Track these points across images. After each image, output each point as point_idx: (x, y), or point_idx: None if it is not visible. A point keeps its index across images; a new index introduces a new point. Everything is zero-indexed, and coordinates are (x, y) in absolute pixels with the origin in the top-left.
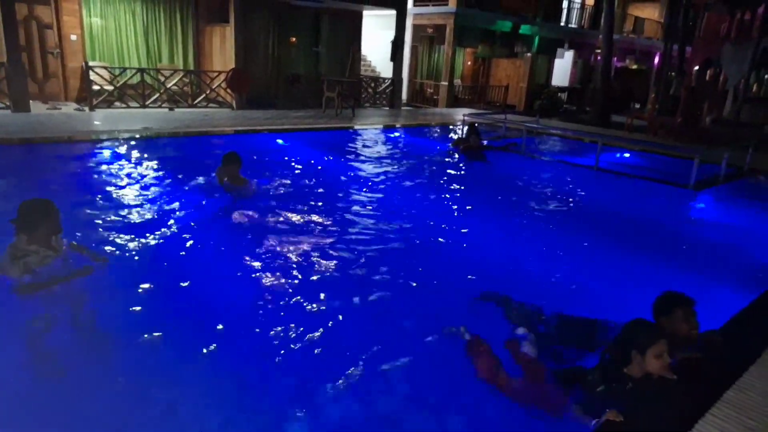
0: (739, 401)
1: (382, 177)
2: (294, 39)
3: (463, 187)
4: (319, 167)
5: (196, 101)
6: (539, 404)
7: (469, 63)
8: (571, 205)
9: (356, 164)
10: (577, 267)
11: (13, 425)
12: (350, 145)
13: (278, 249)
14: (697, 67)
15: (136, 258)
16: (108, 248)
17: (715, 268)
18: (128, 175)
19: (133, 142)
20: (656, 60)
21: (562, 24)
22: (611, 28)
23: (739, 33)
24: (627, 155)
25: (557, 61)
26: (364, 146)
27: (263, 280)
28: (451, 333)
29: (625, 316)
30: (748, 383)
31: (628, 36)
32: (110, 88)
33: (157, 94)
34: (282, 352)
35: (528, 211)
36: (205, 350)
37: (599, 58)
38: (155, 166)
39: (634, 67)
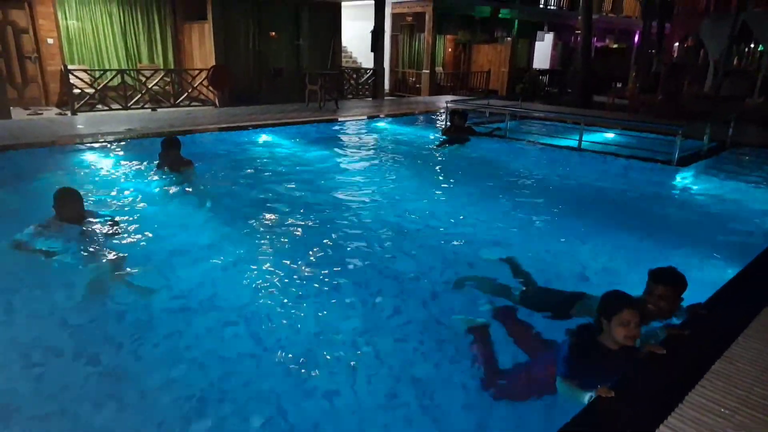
0: (727, 372)
1: (368, 166)
2: (274, 33)
3: (449, 173)
4: (304, 160)
5: (178, 100)
6: (531, 388)
7: (449, 50)
8: (557, 185)
9: (342, 155)
10: (564, 245)
11: None
12: (335, 136)
13: (261, 238)
14: (677, 44)
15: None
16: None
17: (699, 242)
18: (108, 176)
19: (117, 144)
20: (636, 38)
21: (541, 6)
22: (590, 8)
23: (718, 7)
24: (610, 134)
25: (538, 44)
26: (349, 137)
27: (233, 275)
28: (465, 324)
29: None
30: (736, 354)
31: (607, 15)
32: (91, 90)
33: (139, 95)
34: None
35: (514, 193)
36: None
37: (579, 39)
38: (140, 166)
39: (614, 46)
